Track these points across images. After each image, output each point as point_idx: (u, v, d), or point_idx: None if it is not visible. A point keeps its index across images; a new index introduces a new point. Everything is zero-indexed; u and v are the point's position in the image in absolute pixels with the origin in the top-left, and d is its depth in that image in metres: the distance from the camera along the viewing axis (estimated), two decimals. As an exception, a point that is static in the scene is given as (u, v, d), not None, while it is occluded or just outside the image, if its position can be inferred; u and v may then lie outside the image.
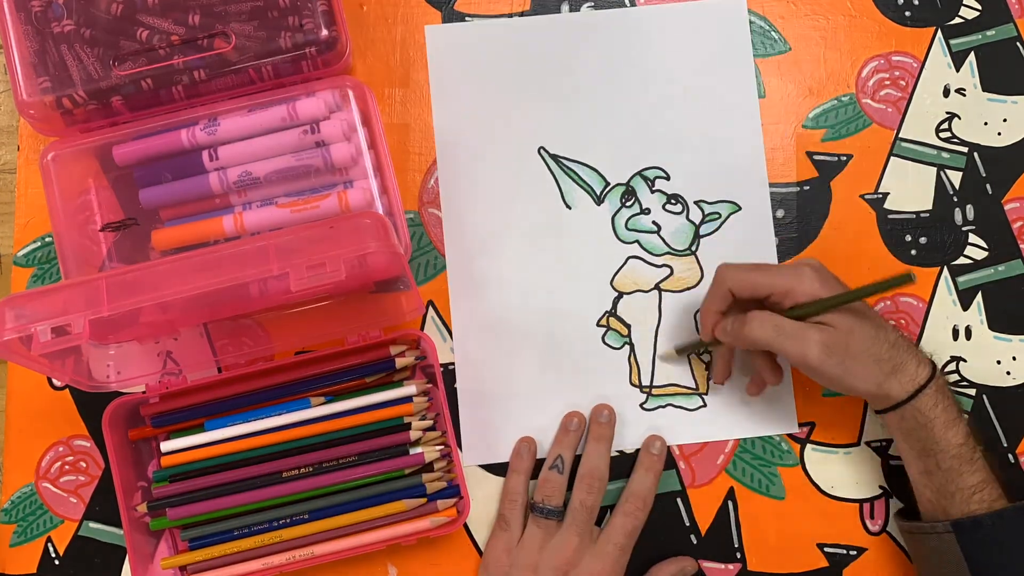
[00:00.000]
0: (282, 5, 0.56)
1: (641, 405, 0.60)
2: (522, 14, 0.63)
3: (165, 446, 0.56)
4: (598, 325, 0.61)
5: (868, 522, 0.60)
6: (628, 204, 0.61)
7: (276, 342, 0.60)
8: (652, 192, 0.62)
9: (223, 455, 0.56)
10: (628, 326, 0.61)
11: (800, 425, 0.60)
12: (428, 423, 0.56)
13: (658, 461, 0.58)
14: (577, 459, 0.58)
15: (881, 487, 0.60)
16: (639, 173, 0.62)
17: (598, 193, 0.62)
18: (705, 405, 0.60)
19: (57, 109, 0.56)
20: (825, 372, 0.51)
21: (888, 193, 0.62)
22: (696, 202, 0.62)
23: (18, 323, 0.46)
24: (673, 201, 0.61)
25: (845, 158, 0.62)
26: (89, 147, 0.57)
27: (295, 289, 0.46)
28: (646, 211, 0.61)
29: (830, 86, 0.63)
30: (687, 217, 0.62)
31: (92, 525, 0.60)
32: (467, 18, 0.63)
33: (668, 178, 0.62)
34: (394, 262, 0.50)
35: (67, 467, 0.60)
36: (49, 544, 0.59)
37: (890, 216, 0.62)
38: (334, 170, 0.57)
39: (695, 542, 0.59)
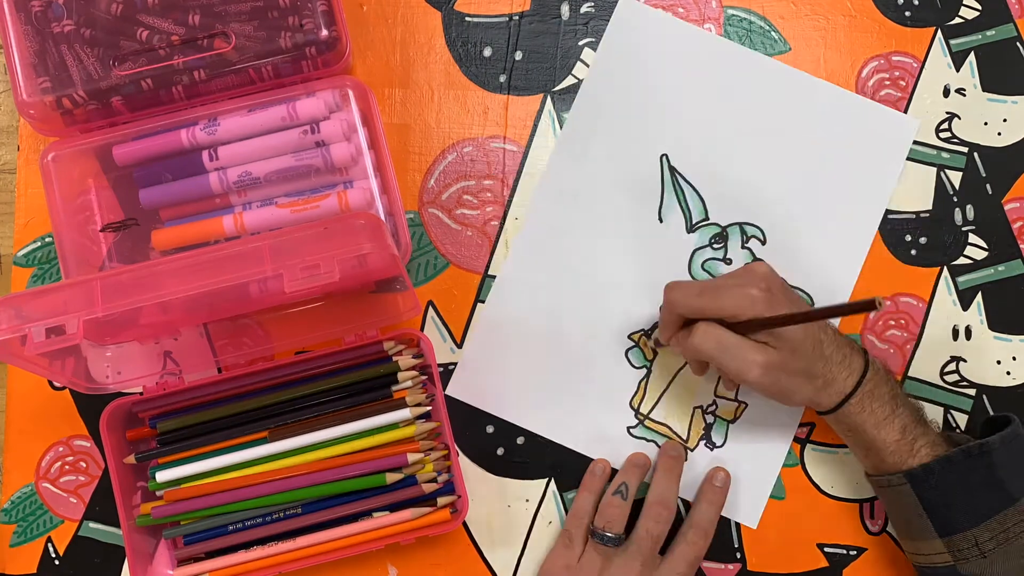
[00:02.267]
0: (282, 5, 0.56)
1: (629, 428, 0.60)
2: (522, 14, 0.63)
3: (160, 476, 0.56)
4: (629, 338, 0.61)
5: (868, 522, 0.60)
6: (715, 246, 0.61)
7: (275, 342, 0.60)
8: (742, 247, 0.61)
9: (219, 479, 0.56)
10: (655, 353, 0.61)
11: (800, 425, 0.60)
12: (431, 426, 0.56)
13: (721, 494, 0.58)
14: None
15: (881, 487, 0.60)
16: (739, 224, 0.61)
17: (693, 222, 0.61)
18: (686, 460, 0.60)
19: (57, 109, 0.56)
20: (761, 390, 0.53)
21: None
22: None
23: (12, 323, 0.46)
24: (745, 240, 0.61)
25: (845, 158, 0.62)
26: (89, 147, 0.57)
27: (289, 290, 0.46)
28: (727, 261, 0.61)
29: (830, 86, 0.63)
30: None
31: (92, 525, 0.60)
32: (467, 18, 0.63)
33: (764, 243, 0.61)
34: (390, 263, 0.50)
35: (67, 467, 0.60)
36: (49, 544, 0.59)
37: (890, 216, 0.62)
38: (334, 170, 0.57)
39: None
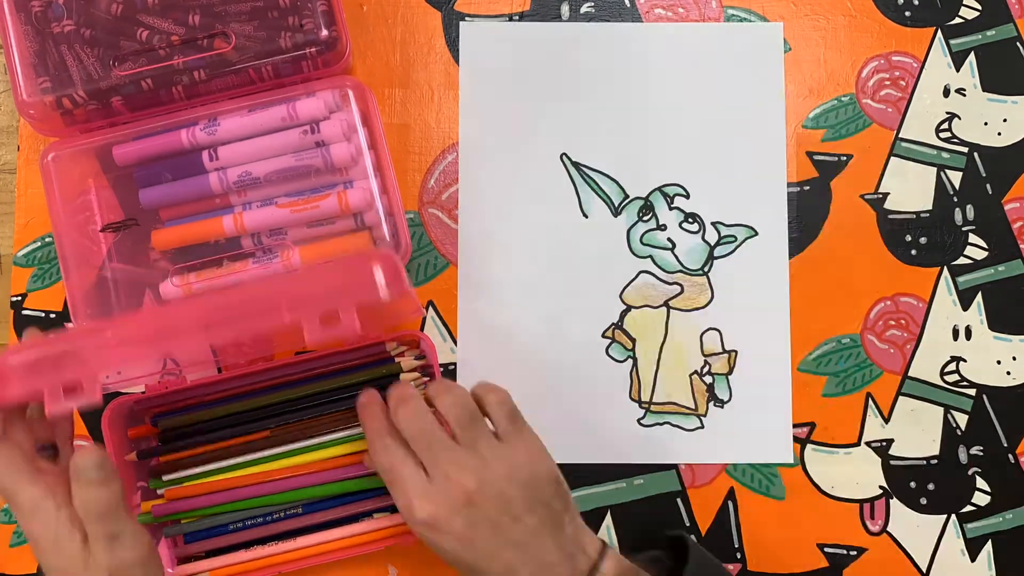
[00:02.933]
0: (282, 5, 0.56)
1: (639, 420, 0.60)
2: (522, 15, 0.63)
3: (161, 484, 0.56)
4: (603, 336, 0.61)
5: (868, 522, 0.60)
6: (645, 219, 0.61)
7: (276, 343, 0.60)
8: (670, 209, 0.61)
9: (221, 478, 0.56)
10: (633, 340, 0.61)
11: (800, 425, 0.60)
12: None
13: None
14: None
15: (881, 487, 0.60)
16: (659, 189, 0.62)
17: (616, 205, 0.61)
18: (703, 427, 0.60)
19: (57, 109, 0.56)
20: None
21: (888, 193, 0.62)
22: (713, 223, 0.62)
23: (25, 385, 0.45)
24: (690, 220, 0.61)
25: (845, 158, 0.62)
26: (89, 147, 0.57)
27: (309, 343, 0.46)
28: (662, 227, 0.61)
29: (830, 86, 0.63)
30: (703, 237, 0.61)
31: (92, 525, 0.59)
32: (467, 18, 0.63)
33: (687, 196, 0.62)
34: (404, 301, 0.49)
35: (67, 467, 0.60)
36: (49, 544, 0.59)
37: (890, 216, 0.62)
38: (334, 170, 0.57)
39: (695, 542, 0.59)
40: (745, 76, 0.63)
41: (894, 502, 0.60)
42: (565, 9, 0.63)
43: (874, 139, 0.62)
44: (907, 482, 0.60)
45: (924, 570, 0.59)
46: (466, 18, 0.63)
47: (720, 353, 0.61)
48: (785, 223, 0.62)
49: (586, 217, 0.62)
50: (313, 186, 0.57)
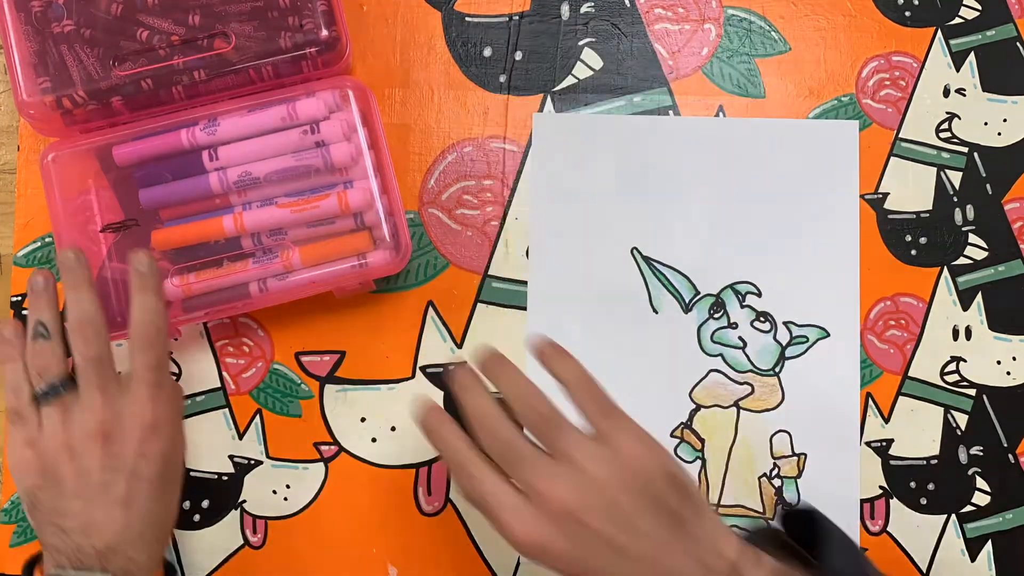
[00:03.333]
0: (282, 5, 0.56)
1: None
2: (522, 14, 0.63)
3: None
4: (672, 436, 0.60)
5: (868, 522, 0.60)
6: (716, 316, 0.60)
7: (276, 343, 0.60)
8: (742, 307, 0.60)
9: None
10: (702, 441, 0.60)
11: (800, 425, 0.60)
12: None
13: (149, 277, 0.50)
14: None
15: (881, 487, 0.60)
16: (730, 286, 0.61)
17: (687, 301, 0.60)
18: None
19: (57, 109, 0.56)
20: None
21: (888, 193, 0.62)
22: (785, 322, 0.61)
23: None
24: (762, 319, 0.60)
25: (845, 158, 0.62)
26: (89, 148, 0.57)
27: None
28: (733, 325, 0.60)
29: (830, 86, 0.63)
30: (774, 337, 0.60)
31: (92, 525, 0.60)
32: (467, 18, 0.63)
33: (759, 295, 0.61)
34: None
35: (67, 467, 0.60)
36: (49, 544, 0.59)
37: (890, 216, 0.62)
38: (334, 170, 0.57)
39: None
40: (820, 173, 0.61)
41: (894, 502, 0.60)
42: (565, 9, 0.63)
43: (874, 139, 0.62)
44: (907, 482, 0.60)
45: (924, 570, 0.59)
46: (466, 18, 0.63)
47: (790, 456, 0.60)
48: (857, 325, 0.60)
49: (656, 312, 0.61)
50: (313, 186, 0.57)
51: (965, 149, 0.62)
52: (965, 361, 0.61)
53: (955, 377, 0.61)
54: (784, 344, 0.60)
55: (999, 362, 0.61)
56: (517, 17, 0.63)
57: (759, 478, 0.60)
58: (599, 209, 0.61)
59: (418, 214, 0.62)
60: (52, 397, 0.48)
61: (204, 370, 0.61)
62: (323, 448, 0.60)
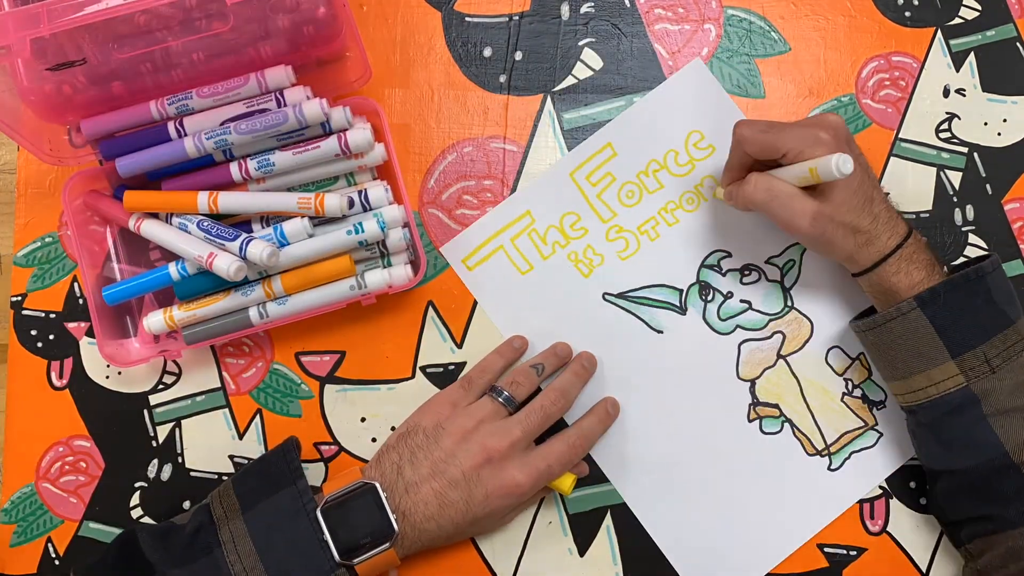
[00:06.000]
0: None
1: (829, 468, 0.59)
2: (522, 15, 0.63)
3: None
4: (749, 421, 0.60)
5: (868, 522, 0.60)
6: (709, 299, 0.61)
7: (275, 344, 0.60)
8: (724, 275, 0.61)
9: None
10: (776, 407, 0.60)
11: (800, 425, 0.60)
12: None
13: (609, 417, 0.59)
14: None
15: (881, 487, 0.60)
16: (703, 265, 0.61)
17: (678, 304, 0.61)
18: (882, 435, 0.60)
19: (57, 95, 0.55)
20: (806, 239, 0.54)
21: (888, 193, 0.62)
22: (767, 261, 0.61)
23: None
24: (747, 272, 0.61)
25: (845, 158, 0.62)
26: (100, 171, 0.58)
27: None
28: (729, 295, 0.61)
29: (830, 86, 0.63)
30: (767, 279, 0.61)
31: (92, 525, 0.60)
32: (467, 18, 0.63)
33: (731, 255, 0.61)
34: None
35: (67, 467, 0.60)
36: (49, 544, 0.59)
37: (890, 216, 0.62)
38: (366, 208, 0.58)
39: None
40: (701, 120, 0.62)
41: (894, 502, 0.60)
42: (565, 9, 0.63)
43: (874, 139, 0.62)
44: (907, 482, 0.60)
45: (924, 570, 0.59)
46: (466, 18, 0.63)
47: (852, 363, 0.60)
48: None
49: (661, 333, 0.61)
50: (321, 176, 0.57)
51: (965, 149, 0.62)
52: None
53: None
54: (780, 279, 0.61)
55: (999, 362, 0.61)
56: (517, 17, 0.63)
57: (842, 401, 0.60)
58: (551, 285, 0.61)
59: (418, 214, 0.62)
60: (500, 400, 0.56)
61: (204, 370, 0.61)
62: (323, 448, 0.60)
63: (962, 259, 0.61)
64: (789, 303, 0.61)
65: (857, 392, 0.60)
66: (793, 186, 0.52)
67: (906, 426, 0.58)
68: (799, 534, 0.59)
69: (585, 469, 0.59)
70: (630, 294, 0.61)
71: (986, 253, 0.58)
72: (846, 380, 0.60)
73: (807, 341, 0.61)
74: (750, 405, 0.60)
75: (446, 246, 0.61)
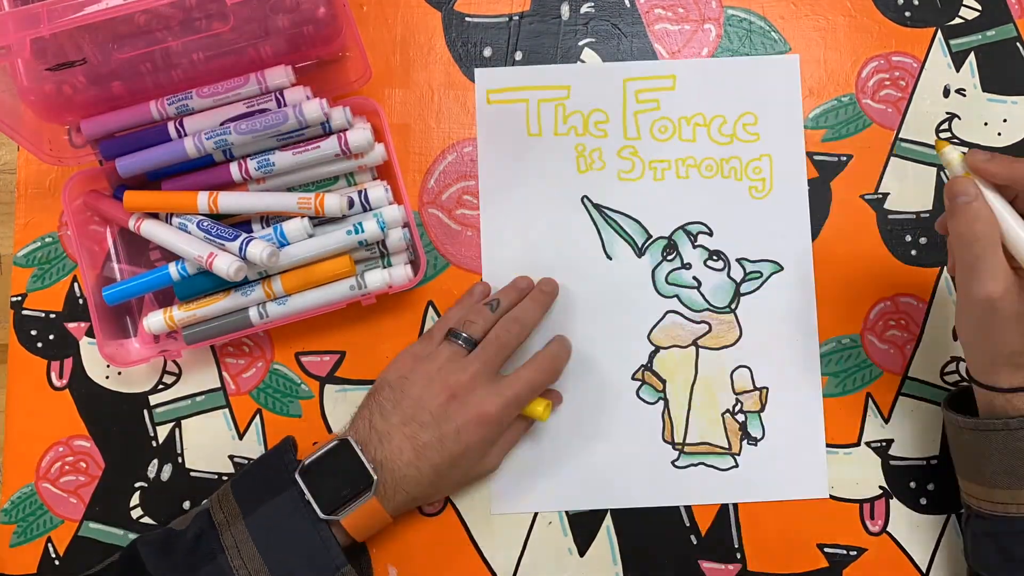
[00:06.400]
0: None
1: (673, 462, 0.60)
2: (522, 15, 0.63)
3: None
4: (633, 378, 0.60)
5: (868, 522, 0.60)
6: (669, 258, 0.61)
7: (276, 345, 0.60)
8: (694, 247, 0.61)
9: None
10: (663, 381, 0.60)
11: (800, 425, 0.60)
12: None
13: (550, 296, 0.59)
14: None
15: (881, 487, 0.60)
16: (682, 227, 0.61)
17: (640, 245, 0.61)
18: (737, 466, 0.60)
19: (57, 95, 0.55)
20: (978, 305, 0.46)
21: (888, 193, 0.62)
22: (738, 260, 0.61)
23: None
24: (715, 257, 0.61)
25: (845, 158, 0.62)
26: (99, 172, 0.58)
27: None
28: (687, 266, 0.61)
29: (830, 86, 0.63)
30: (728, 274, 0.61)
31: (92, 525, 0.60)
32: (467, 18, 0.63)
33: (711, 234, 0.61)
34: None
35: (67, 467, 0.60)
36: (49, 544, 0.59)
37: (890, 216, 0.62)
38: (366, 208, 0.58)
39: (695, 542, 0.59)
40: (764, 109, 0.62)
41: (894, 502, 0.60)
42: (565, 9, 0.63)
43: (874, 139, 0.62)
44: (907, 482, 0.60)
45: (924, 570, 0.59)
46: (466, 18, 0.63)
47: (752, 391, 0.60)
48: (810, 256, 0.61)
49: (610, 259, 0.61)
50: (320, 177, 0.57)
51: (965, 149, 0.62)
52: (965, 362, 0.61)
53: (955, 377, 0.61)
54: (738, 281, 0.61)
55: (999, 362, 0.61)
56: (517, 17, 0.63)
57: (722, 414, 0.60)
58: (548, 161, 0.62)
59: (418, 214, 0.62)
60: (458, 342, 0.56)
61: (204, 370, 0.61)
62: (323, 448, 0.60)
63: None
64: (733, 306, 0.61)
65: (740, 417, 0.60)
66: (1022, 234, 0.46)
67: (959, 523, 0.56)
68: (620, 499, 0.59)
69: (558, 397, 0.59)
70: (606, 209, 0.61)
71: None
72: (738, 400, 0.60)
73: (726, 347, 0.61)
74: (642, 367, 0.60)
75: (481, 71, 0.62)
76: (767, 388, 0.60)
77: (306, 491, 0.51)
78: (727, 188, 0.62)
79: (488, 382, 0.54)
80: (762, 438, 0.60)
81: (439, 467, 0.53)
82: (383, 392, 0.55)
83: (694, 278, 0.61)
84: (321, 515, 0.51)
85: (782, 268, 0.61)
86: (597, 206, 0.61)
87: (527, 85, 0.62)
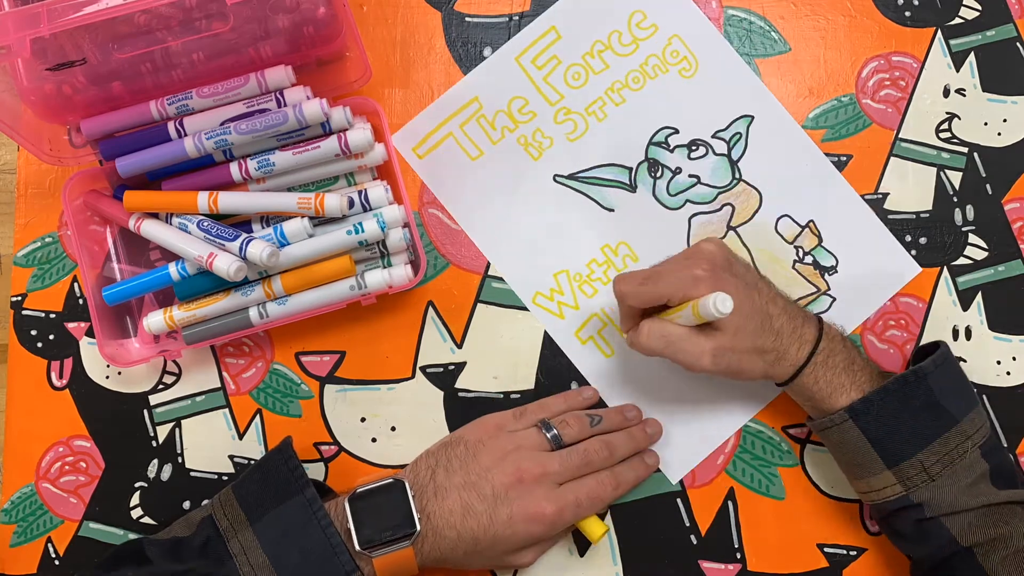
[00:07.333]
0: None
1: None
2: (522, 15, 0.63)
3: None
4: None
5: (868, 522, 0.60)
6: (658, 175, 0.61)
7: (276, 345, 0.60)
8: (672, 151, 0.62)
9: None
10: None
11: (799, 426, 0.60)
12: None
13: (648, 469, 0.59)
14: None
15: (881, 487, 0.60)
16: (650, 142, 0.62)
17: (628, 182, 0.62)
18: (835, 299, 0.61)
19: (57, 95, 0.55)
20: (715, 374, 0.52)
21: (888, 193, 0.62)
22: (713, 135, 0.62)
23: None
24: (694, 147, 0.62)
25: (845, 158, 0.62)
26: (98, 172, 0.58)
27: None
28: (677, 170, 0.61)
29: (830, 86, 0.63)
30: (714, 153, 0.62)
31: (92, 525, 0.60)
32: (467, 18, 0.63)
33: (677, 131, 0.62)
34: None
35: (67, 467, 0.60)
36: (49, 544, 0.59)
37: (890, 216, 0.62)
38: (365, 209, 0.58)
39: (695, 542, 0.59)
40: (646, 1, 0.63)
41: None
42: (565, 9, 0.63)
43: (874, 139, 0.62)
44: (907, 482, 0.60)
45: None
46: (466, 18, 0.63)
47: (802, 230, 0.61)
48: (771, 96, 0.62)
49: (612, 211, 0.62)
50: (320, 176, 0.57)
51: (965, 149, 0.62)
52: (965, 361, 0.61)
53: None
54: (727, 152, 0.62)
55: (999, 362, 0.61)
56: (517, 17, 0.63)
57: (793, 268, 0.61)
58: (501, 170, 0.62)
59: (418, 214, 0.62)
60: (547, 434, 0.55)
61: (204, 370, 0.61)
62: (323, 448, 0.60)
63: (926, 342, 0.59)
64: (737, 175, 0.62)
65: (808, 259, 0.61)
66: (685, 328, 0.51)
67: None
68: (757, 397, 0.60)
69: (608, 524, 0.59)
70: (580, 174, 0.62)
71: (935, 342, 0.56)
72: (796, 247, 0.61)
73: (756, 212, 0.61)
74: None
75: (396, 135, 0.62)
76: (812, 220, 0.61)
77: (350, 519, 0.51)
78: (662, 85, 0.62)
79: (554, 484, 0.54)
80: (837, 263, 0.61)
81: (479, 541, 0.52)
82: (456, 448, 0.55)
83: (690, 176, 0.62)
84: (357, 547, 0.50)
85: (754, 117, 0.62)
86: (570, 176, 0.62)
87: (440, 121, 0.62)
